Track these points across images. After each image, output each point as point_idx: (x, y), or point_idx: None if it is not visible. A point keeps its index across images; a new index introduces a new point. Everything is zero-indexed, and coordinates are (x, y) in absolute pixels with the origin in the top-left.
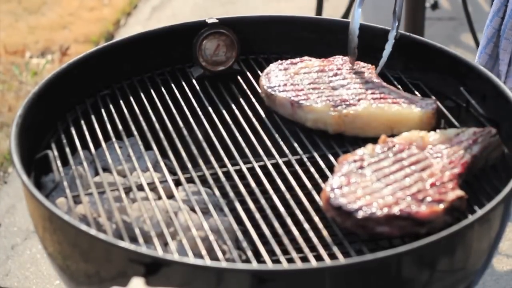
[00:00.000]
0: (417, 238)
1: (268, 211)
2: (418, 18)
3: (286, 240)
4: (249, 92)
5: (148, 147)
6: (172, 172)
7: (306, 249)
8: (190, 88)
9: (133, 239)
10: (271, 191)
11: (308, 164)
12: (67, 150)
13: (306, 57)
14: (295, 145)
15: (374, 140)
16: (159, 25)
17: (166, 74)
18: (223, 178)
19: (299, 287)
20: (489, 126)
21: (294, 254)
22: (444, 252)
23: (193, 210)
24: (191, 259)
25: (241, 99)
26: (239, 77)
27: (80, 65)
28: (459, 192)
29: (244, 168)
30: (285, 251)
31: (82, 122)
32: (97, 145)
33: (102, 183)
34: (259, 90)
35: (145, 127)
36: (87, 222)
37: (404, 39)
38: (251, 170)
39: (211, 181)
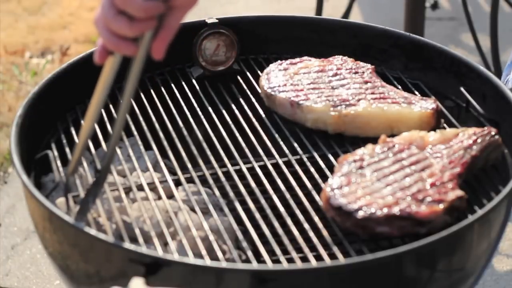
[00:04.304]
0: (417, 238)
1: (268, 211)
2: (418, 18)
3: (286, 240)
4: (249, 92)
5: (148, 147)
6: (172, 172)
7: (306, 249)
8: (190, 88)
9: (133, 239)
10: (271, 191)
11: (308, 164)
12: (67, 150)
13: (305, 57)
14: (295, 145)
15: (374, 140)
16: None
17: (166, 74)
18: (223, 178)
19: (299, 287)
20: (489, 126)
21: (294, 254)
22: (444, 252)
23: (193, 210)
24: (191, 259)
25: (241, 99)
26: (239, 77)
27: (80, 65)
28: (459, 192)
29: (244, 168)
30: (285, 251)
31: (82, 122)
32: (97, 145)
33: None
34: (259, 90)
35: (145, 127)
36: (87, 222)
37: (404, 39)
38: (251, 170)
39: (211, 181)
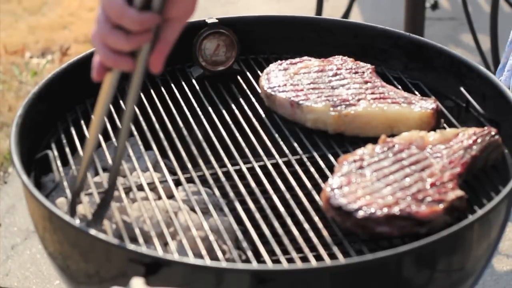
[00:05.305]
0: (417, 238)
1: (268, 211)
2: (418, 18)
3: (286, 240)
4: (249, 92)
5: (148, 147)
6: (172, 172)
7: (306, 249)
8: (190, 88)
9: (133, 239)
10: (271, 191)
11: (308, 164)
12: (67, 150)
13: (305, 57)
14: (295, 145)
15: (374, 140)
16: None
17: (165, 74)
18: (223, 178)
19: (299, 287)
20: (489, 126)
21: (294, 254)
22: (444, 252)
23: (193, 210)
24: (191, 259)
25: (241, 99)
26: (239, 77)
27: (80, 65)
28: (459, 192)
29: (244, 168)
30: (285, 251)
31: (82, 122)
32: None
33: (102, 183)
34: (259, 90)
35: (145, 127)
36: (87, 222)
37: (404, 39)
38: (251, 170)
39: (211, 181)
